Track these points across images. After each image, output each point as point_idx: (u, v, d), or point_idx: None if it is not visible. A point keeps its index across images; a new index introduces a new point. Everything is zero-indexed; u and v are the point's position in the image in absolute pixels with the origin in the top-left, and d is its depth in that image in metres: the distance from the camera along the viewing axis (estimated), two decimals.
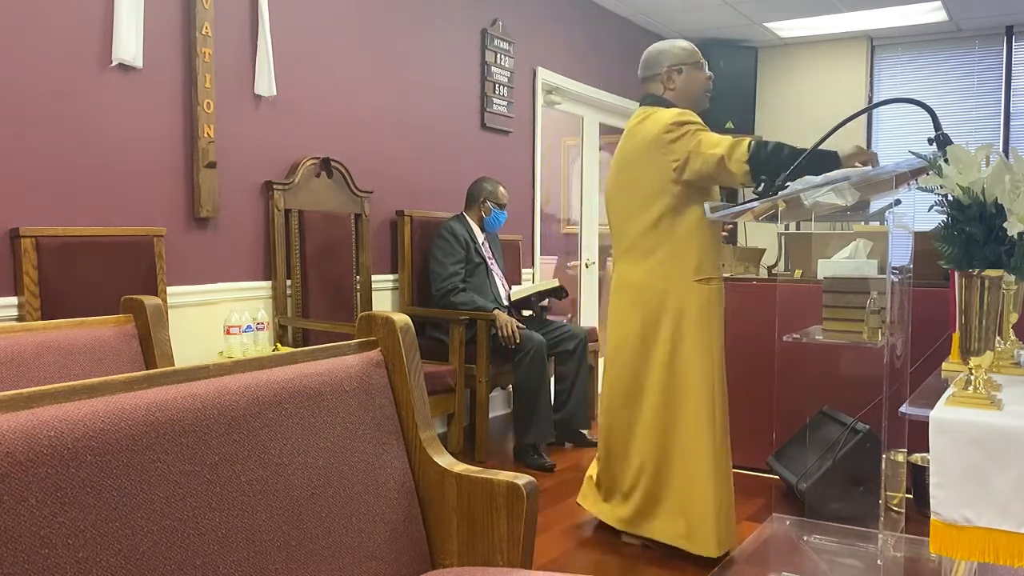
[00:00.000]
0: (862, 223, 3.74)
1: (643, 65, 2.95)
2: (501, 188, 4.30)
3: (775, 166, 2.47)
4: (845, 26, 6.52)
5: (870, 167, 2.37)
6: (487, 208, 4.24)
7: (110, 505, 1.05)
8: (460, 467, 1.52)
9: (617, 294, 2.94)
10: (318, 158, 3.78)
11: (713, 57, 6.83)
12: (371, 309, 4.00)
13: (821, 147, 2.45)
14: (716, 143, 2.65)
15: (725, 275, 4.30)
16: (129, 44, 2.99)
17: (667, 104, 2.85)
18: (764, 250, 5.79)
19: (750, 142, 2.62)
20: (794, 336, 2.91)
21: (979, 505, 1.46)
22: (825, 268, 3.27)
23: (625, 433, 2.90)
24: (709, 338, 2.77)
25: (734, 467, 3.82)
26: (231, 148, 3.43)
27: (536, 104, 5.34)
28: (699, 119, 2.78)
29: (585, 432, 4.36)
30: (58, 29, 2.85)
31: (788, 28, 6.61)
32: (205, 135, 3.27)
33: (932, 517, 1.51)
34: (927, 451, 1.52)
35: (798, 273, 3.92)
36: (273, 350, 3.42)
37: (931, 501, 1.50)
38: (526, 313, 4.26)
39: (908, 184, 2.32)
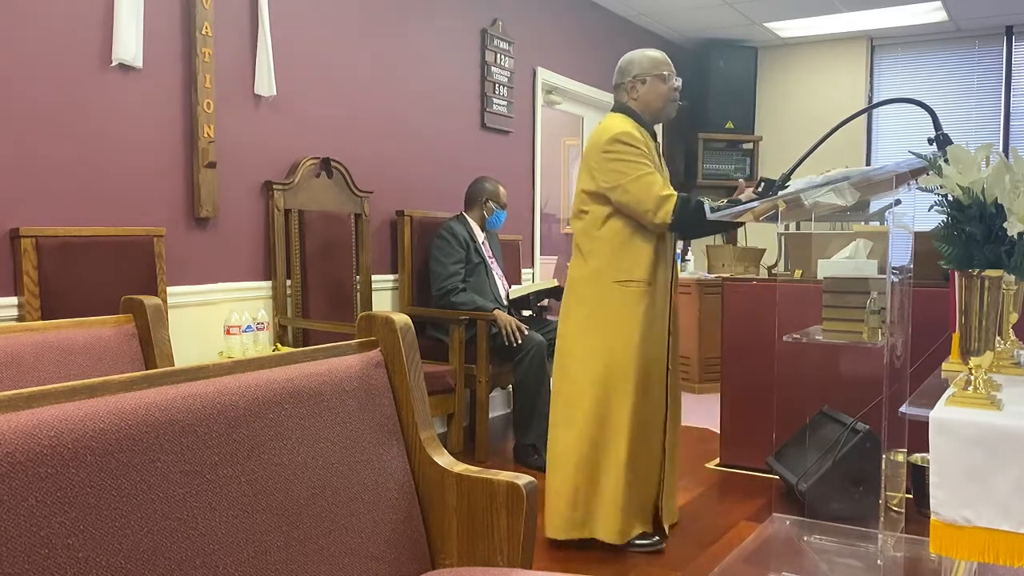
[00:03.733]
0: (862, 223, 3.73)
1: (615, 73, 2.99)
2: (501, 188, 4.31)
3: (693, 226, 2.74)
4: (845, 26, 6.52)
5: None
6: (489, 208, 4.25)
7: (110, 505, 1.04)
8: (460, 467, 1.52)
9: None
10: (318, 158, 3.78)
11: (713, 57, 6.83)
12: (371, 309, 4.00)
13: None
14: (646, 194, 2.71)
15: (724, 275, 4.26)
16: (129, 44, 2.99)
17: (630, 113, 2.90)
18: (764, 250, 5.81)
19: (676, 204, 2.69)
20: (794, 336, 2.91)
21: (979, 505, 1.46)
22: (825, 268, 3.27)
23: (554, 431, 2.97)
24: (612, 337, 2.80)
25: (733, 467, 3.87)
26: (231, 148, 3.43)
27: (536, 104, 5.34)
28: (640, 143, 2.77)
29: None
30: (58, 29, 2.85)
31: (788, 28, 6.61)
32: (205, 135, 3.27)
33: (932, 517, 1.51)
34: (927, 451, 1.52)
35: (798, 273, 3.92)
36: (273, 350, 3.42)
37: (931, 501, 1.50)
38: (525, 313, 4.26)
39: (908, 184, 2.32)
